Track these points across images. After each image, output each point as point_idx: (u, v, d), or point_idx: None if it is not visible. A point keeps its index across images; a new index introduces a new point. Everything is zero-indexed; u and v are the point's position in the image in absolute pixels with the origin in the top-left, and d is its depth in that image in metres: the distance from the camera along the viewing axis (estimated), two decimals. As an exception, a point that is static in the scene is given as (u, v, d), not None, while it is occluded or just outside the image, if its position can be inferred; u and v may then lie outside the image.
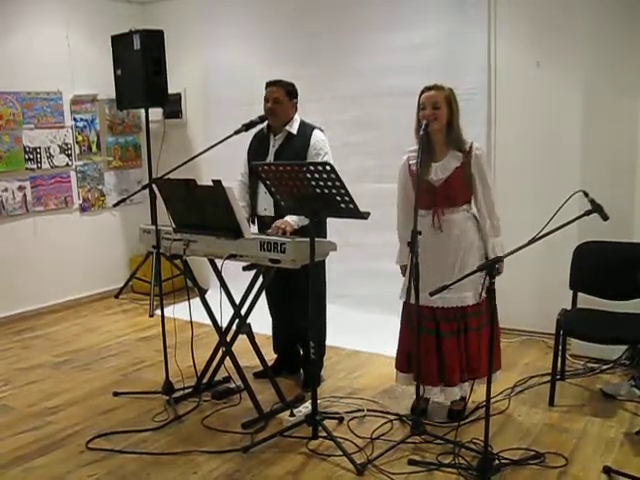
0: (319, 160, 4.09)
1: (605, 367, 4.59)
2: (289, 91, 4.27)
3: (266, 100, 4.25)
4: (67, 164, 6.61)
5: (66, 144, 6.58)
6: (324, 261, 4.17)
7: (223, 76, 6.53)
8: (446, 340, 3.74)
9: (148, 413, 4.12)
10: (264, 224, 4.29)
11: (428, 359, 3.77)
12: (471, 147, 3.70)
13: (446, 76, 4.55)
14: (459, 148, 3.69)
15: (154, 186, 4.05)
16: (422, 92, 3.69)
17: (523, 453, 3.49)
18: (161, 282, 4.62)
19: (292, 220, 4.01)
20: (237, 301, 4.12)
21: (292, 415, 3.88)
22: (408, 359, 3.87)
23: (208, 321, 4.21)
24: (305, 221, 3.95)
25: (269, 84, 4.28)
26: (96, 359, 5.16)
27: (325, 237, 4.23)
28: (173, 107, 6.87)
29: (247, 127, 4.10)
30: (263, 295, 4.12)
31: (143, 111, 6.38)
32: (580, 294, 4.36)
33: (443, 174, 3.67)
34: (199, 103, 6.85)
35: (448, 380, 3.79)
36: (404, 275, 3.90)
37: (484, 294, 3.70)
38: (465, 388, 3.84)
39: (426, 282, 3.48)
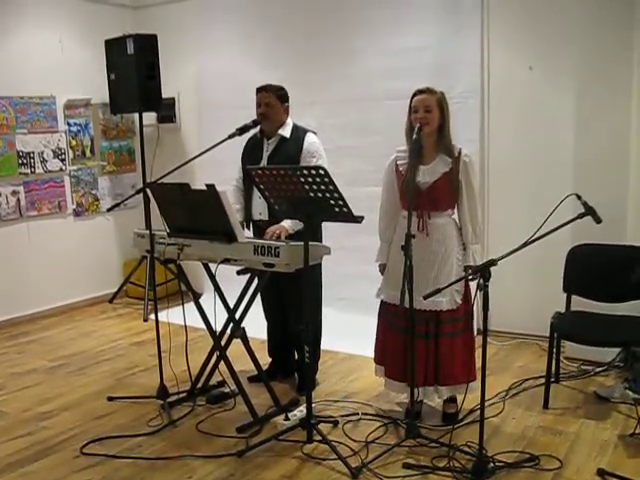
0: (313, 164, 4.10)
1: (599, 369, 4.61)
2: (280, 95, 4.27)
3: (258, 105, 4.25)
4: (61, 169, 6.60)
5: (60, 149, 6.57)
6: (320, 265, 4.18)
7: (217, 80, 6.53)
8: (414, 340, 3.71)
9: (142, 418, 4.11)
10: (259, 229, 4.28)
11: (395, 355, 3.83)
12: (459, 153, 3.71)
13: (440, 79, 4.58)
14: (448, 153, 3.71)
15: (148, 190, 4.05)
16: (414, 95, 3.70)
17: (518, 456, 3.50)
18: (155, 286, 4.61)
19: (287, 225, 4.00)
20: (231, 305, 4.12)
21: (287, 419, 3.88)
22: (381, 352, 4.00)
23: (202, 325, 4.20)
24: (300, 225, 3.95)
25: (259, 89, 4.28)
26: (90, 364, 5.15)
27: (321, 241, 4.23)
28: (167, 111, 6.86)
29: (241, 131, 4.09)
30: (257, 299, 4.11)
31: (137, 115, 6.38)
32: (574, 297, 4.37)
33: (431, 178, 3.69)
34: (193, 107, 6.85)
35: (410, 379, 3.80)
36: (382, 274, 3.96)
37: (459, 300, 3.73)
38: (429, 393, 3.87)
39: (403, 283, 3.48)
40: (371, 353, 4.10)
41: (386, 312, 3.94)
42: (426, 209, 3.70)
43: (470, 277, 3.50)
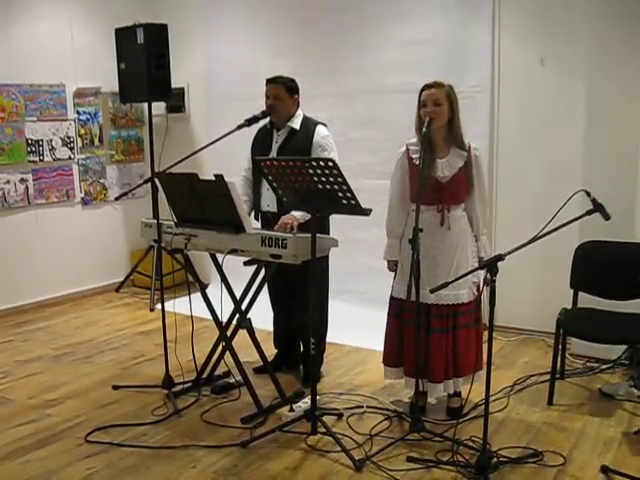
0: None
1: (604, 367, 4.59)
2: (289, 87, 4.25)
3: (267, 97, 4.24)
4: (69, 157, 6.61)
5: (69, 137, 6.57)
6: (327, 257, 4.17)
7: (226, 71, 6.53)
8: (435, 336, 3.73)
9: (147, 407, 4.12)
10: (267, 220, 4.29)
11: (412, 352, 3.79)
12: (469, 147, 3.72)
13: (450, 73, 4.57)
14: (461, 146, 3.70)
15: (156, 180, 4.05)
16: (422, 90, 3.69)
17: (521, 451, 3.50)
18: (162, 276, 4.62)
19: (298, 215, 3.98)
20: (238, 296, 4.12)
21: (291, 410, 3.89)
22: (395, 353, 3.93)
23: (208, 316, 4.21)
24: (310, 215, 3.94)
25: (269, 81, 4.27)
26: (96, 352, 5.16)
27: (328, 233, 4.23)
28: (176, 101, 6.86)
29: (250, 122, 4.09)
30: (264, 290, 4.12)
31: (146, 105, 6.38)
32: (581, 293, 4.36)
33: (450, 172, 3.68)
34: (202, 97, 6.85)
35: (432, 376, 3.79)
36: (391, 270, 3.93)
37: (476, 292, 3.75)
38: (449, 386, 3.86)
39: (424, 278, 3.54)
40: (376, 346, 4.09)
41: (399, 310, 3.87)
42: (447, 203, 3.70)
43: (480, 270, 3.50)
